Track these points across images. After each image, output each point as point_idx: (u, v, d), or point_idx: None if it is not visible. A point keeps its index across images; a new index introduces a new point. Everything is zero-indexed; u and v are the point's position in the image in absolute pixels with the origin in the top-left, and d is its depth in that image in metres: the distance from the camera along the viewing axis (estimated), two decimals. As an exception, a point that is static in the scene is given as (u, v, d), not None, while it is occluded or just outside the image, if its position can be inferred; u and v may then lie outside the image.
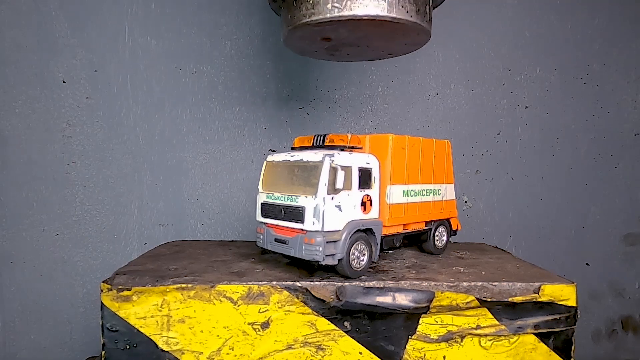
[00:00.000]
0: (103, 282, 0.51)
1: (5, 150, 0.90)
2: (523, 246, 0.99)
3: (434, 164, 0.64)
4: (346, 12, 0.52)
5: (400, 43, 0.63)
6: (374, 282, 0.52)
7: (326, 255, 0.50)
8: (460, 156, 0.97)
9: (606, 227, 1.00)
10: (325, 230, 0.50)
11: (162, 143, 0.93)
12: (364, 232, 0.54)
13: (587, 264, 1.00)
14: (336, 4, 0.52)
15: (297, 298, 0.51)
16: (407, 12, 0.54)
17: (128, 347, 0.50)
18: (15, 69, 0.88)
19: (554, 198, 0.99)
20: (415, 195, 0.61)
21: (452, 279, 0.53)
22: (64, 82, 0.90)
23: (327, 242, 0.50)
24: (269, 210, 0.56)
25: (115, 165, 0.92)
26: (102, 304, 0.50)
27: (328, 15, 0.53)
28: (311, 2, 0.53)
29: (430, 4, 0.59)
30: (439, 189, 0.66)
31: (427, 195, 0.63)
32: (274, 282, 0.51)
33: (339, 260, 0.51)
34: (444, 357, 0.52)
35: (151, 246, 0.75)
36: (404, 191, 0.59)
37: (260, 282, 0.51)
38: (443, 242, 0.68)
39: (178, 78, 0.92)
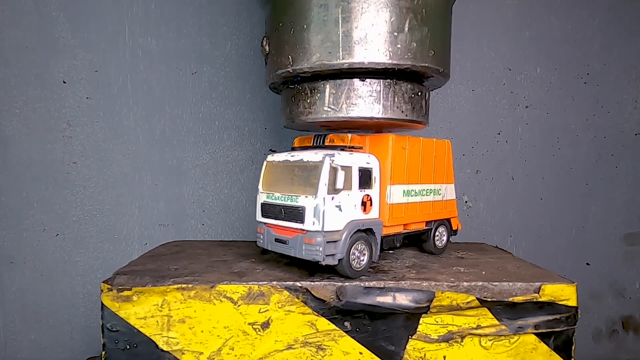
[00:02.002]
0: (103, 282, 0.51)
1: (5, 151, 0.90)
2: (523, 246, 0.99)
3: (435, 163, 0.64)
4: (342, 114, 0.53)
5: (398, 129, 0.64)
6: (374, 282, 0.52)
7: (326, 255, 0.50)
8: (461, 156, 0.97)
9: (607, 226, 1.00)
10: (325, 230, 0.50)
11: (163, 143, 0.93)
12: (364, 232, 0.54)
13: (587, 264, 1.00)
14: (332, 106, 0.53)
15: (298, 298, 0.51)
16: (403, 111, 0.55)
17: (128, 347, 0.50)
18: (16, 69, 0.88)
19: (554, 198, 0.99)
20: (415, 195, 0.61)
21: (452, 279, 0.53)
22: (64, 82, 0.90)
23: (327, 242, 0.50)
24: (269, 210, 0.55)
25: (116, 165, 0.92)
26: (102, 304, 0.50)
27: (324, 116, 0.54)
28: (308, 101, 0.55)
29: (427, 97, 0.59)
30: (439, 189, 0.66)
31: (427, 195, 0.63)
32: (274, 282, 0.51)
33: (339, 260, 0.51)
34: (445, 357, 0.52)
35: (151, 246, 0.75)
36: (404, 191, 0.59)
37: (260, 282, 0.51)
38: (443, 242, 0.68)
39: (178, 78, 0.92)
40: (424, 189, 0.62)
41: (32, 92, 0.89)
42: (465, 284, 0.52)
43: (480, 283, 0.52)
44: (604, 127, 0.98)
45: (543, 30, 0.96)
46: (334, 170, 0.50)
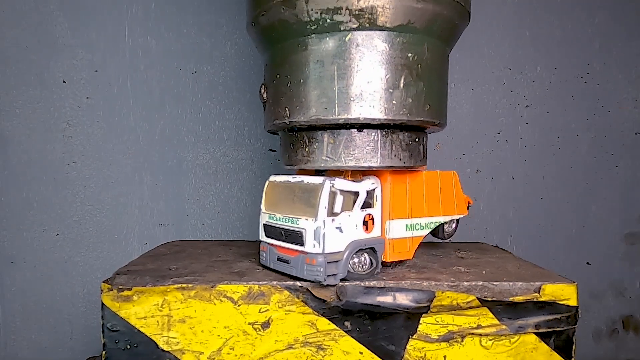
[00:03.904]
0: (103, 282, 0.51)
1: (5, 151, 0.90)
2: (523, 245, 0.99)
3: (442, 195, 0.62)
4: (340, 164, 0.53)
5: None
6: (374, 282, 0.52)
7: (328, 276, 0.50)
8: (461, 155, 0.97)
9: (607, 226, 1.00)
10: (326, 252, 0.50)
11: (163, 143, 0.93)
12: (366, 250, 0.54)
13: (587, 263, 1.00)
14: (330, 156, 0.53)
15: (298, 298, 0.51)
16: (400, 159, 0.55)
17: (129, 347, 0.50)
18: (16, 69, 0.88)
19: (554, 197, 0.99)
20: (421, 229, 0.59)
21: (452, 279, 0.53)
22: (64, 82, 0.90)
23: (329, 262, 0.50)
24: (270, 231, 0.56)
25: (116, 165, 0.92)
26: (102, 304, 0.50)
27: (322, 165, 0.54)
28: (307, 150, 0.55)
29: (425, 141, 0.59)
30: (450, 221, 0.65)
31: (435, 227, 0.62)
32: (275, 282, 0.51)
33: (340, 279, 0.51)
34: (445, 356, 0.52)
35: (151, 246, 0.75)
36: (407, 225, 0.58)
37: (260, 282, 0.51)
38: (452, 227, 0.67)
39: (178, 78, 0.92)
40: (431, 222, 0.61)
41: (32, 92, 0.89)
42: (465, 283, 0.52)
43: (481, 283, 0.52)
44: (604, 126, 0.98)
45: (543, 29, 0.96)
46: (333, 194, 0.50)
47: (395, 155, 0.54)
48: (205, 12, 0.91)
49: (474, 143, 0.97)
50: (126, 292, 0.50)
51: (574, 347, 0.53)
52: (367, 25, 0.50)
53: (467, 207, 0.68)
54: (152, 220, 0.94)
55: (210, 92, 0.93)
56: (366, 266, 0.53)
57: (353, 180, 0.54)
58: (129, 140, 0.92)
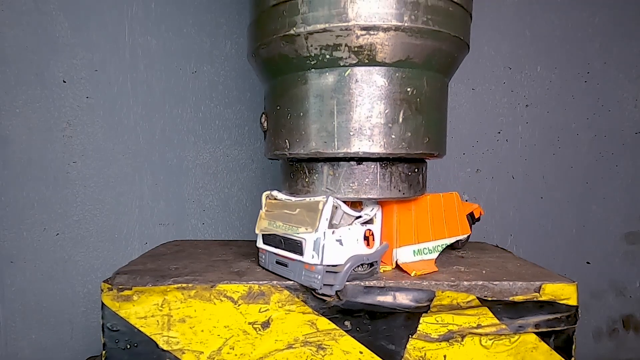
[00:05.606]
0: (104, 281, 0.51)
1: (5, 150, 0.90)
2: (524, 245, 0.99)
3: (445, 217, 0.62)
4: (339, 195, 0.53)
5: None
6: (374, 282, 0.52)
7: (324, 285, 0.49)
8: (461, 155, 0.97)
9: (607, 225, 1.00)
10: (325, 264, 0.50)
11: (163, 142, 0.93)
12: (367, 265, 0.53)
13: (588, 263, 1.00)
14: (330, 188, 0.54)
15: (298, 297, 0.51)
16: (400, 190, 0.55)
17: (129, 346, 0.50)
18: (16, 69, 0.88)
19: (554, 197, 0.99)
20: (429, 253, 0.59)
21: (452, 278, 0.53)
22: (64, 82, 0.90)
23: (327, 271, 0.50)
24: (269, 239, 0.56)
25: (116, 164, 0.92)
26: (102, 303, 0.50)
27: (322, 197, 0.54)
28: (307, 180, 0.55)
29: (424, 170, 0.59)
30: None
31: (442, 250, 0.62)
32: (275, 282, 0.51)
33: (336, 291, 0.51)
34: (445, 356, 0.52)
35: (152, 246, 0.75)
36: (414, 250, 0.58)
37: (260, 282, 0.51)
38: (464, 237, 0.67)
39: (178, 77, 0.92)
40: (438, 245, 0.61)
41: (32, 92, 0.89)
42: (465, 283, 0.52)
43: (481, 282, 0.52)
44: (605, 125, 0.98)
45: (543, 29, 0.96)
46: (335, 208, 0.51)
47: (394, 187, 0.54)
48: (205, 12, 0.91)
49: (474, 143, 0.97)
50: (126, 292, 0.50)
51: (574, 347, 0.53)
52: (366, 61, 0.50)
53: (479, 218, 0.69)
54: (152, 220, 0.94)
55: (210, 92, 0.93)
56: (366, 266, 0.53)
57: (354, 210, 0.54)
58: (129, 140, 0.92)
